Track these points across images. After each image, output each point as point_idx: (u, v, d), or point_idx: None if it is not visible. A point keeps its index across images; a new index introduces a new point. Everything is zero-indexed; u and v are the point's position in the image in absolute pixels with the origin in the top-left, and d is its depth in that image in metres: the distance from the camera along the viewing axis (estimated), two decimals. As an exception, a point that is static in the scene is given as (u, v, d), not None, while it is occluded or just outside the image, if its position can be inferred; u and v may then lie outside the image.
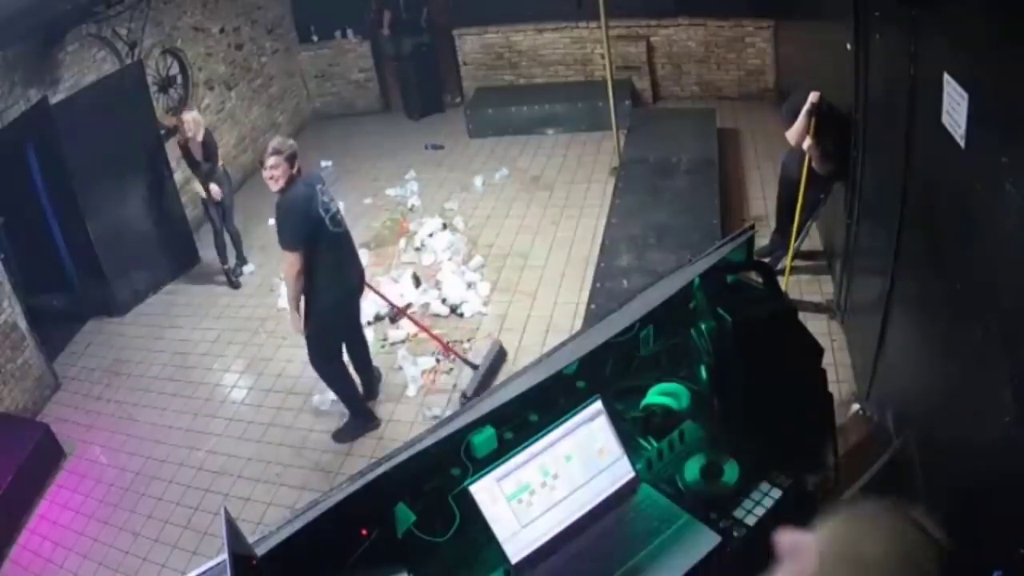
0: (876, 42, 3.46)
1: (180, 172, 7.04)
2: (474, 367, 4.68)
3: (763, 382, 2.00)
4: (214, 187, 5.95)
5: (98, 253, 5.89)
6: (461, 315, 5.35)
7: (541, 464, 1.96)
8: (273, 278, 6.21)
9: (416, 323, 5.06)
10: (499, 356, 4.83)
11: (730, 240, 2.52)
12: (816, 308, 4.75)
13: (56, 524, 4.23)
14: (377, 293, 4.95)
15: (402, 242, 6.36)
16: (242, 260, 6.40)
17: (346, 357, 4.46)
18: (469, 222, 6.59)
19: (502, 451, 2.01)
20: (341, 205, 7.00)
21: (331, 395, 4.73)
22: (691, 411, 2.24)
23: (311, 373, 5.00)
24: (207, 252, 6.56)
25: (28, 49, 5.34)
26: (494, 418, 2.07)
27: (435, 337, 4.93)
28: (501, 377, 4.62)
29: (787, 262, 4.77)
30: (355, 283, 4.24)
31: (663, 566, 1.84)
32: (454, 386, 4.71)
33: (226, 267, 6.23)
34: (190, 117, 5.96)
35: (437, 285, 5.63)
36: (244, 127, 8.36)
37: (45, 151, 5.67)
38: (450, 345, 5.00)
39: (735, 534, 1.88)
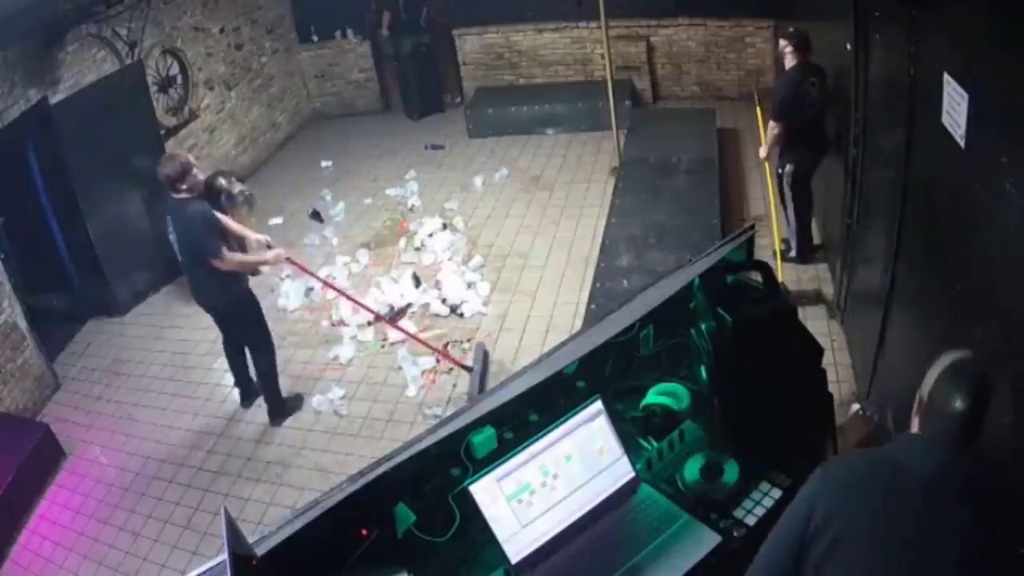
0: (876, 42, 3.46)
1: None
2: (469, 369, 4.68)
3: (763, 382, 2.00)
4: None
5: (98, 253, 5.88)
6: (461, 315, 5.35)
7: (541, 464, 1.96)
8: (273, 278, 6.20)
9: (401, 329, 5.01)
10: (486, 358, 4.83)
11: (730, 240, 2.52)
12: (816, 297, 4.78)
13: (56, 524, 4.23)
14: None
15: (402, 242, 6.36)
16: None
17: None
18: (469, 222, 6.59)
19: (502, 451, 2.01)
20: (341, 205, 7.13)
21: (330, 395, 4.75)
22: (691, 411, 2.25)
23: (311, 373, 5.03)
24: (207, 252, 6.55)
25: (28, 49, 5.34)
26: (494, 418, 2.07)
27: (422, 341, 4.90)
28: (499, 377, 4.62)
29: (775, 245, 4.82)
30: (201, 301, 4.52)
31: (663, 566, 1.84)
32: (454, 386, 4.71)
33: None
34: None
35: (437, 285, 5.63)
36: (244, 127, 8.36)
37: (45, 151, 5.67)
38: (448, 347, 4.99)
39: (735, 534, 1.88)
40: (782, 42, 4.78)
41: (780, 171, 4.87)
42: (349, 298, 5.01)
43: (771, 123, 4.73)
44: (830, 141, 4.75)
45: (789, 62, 4.72)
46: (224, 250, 4.12)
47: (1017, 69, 1.84)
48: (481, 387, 4.53)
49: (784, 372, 2.06)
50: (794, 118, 4.64)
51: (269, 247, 4.43)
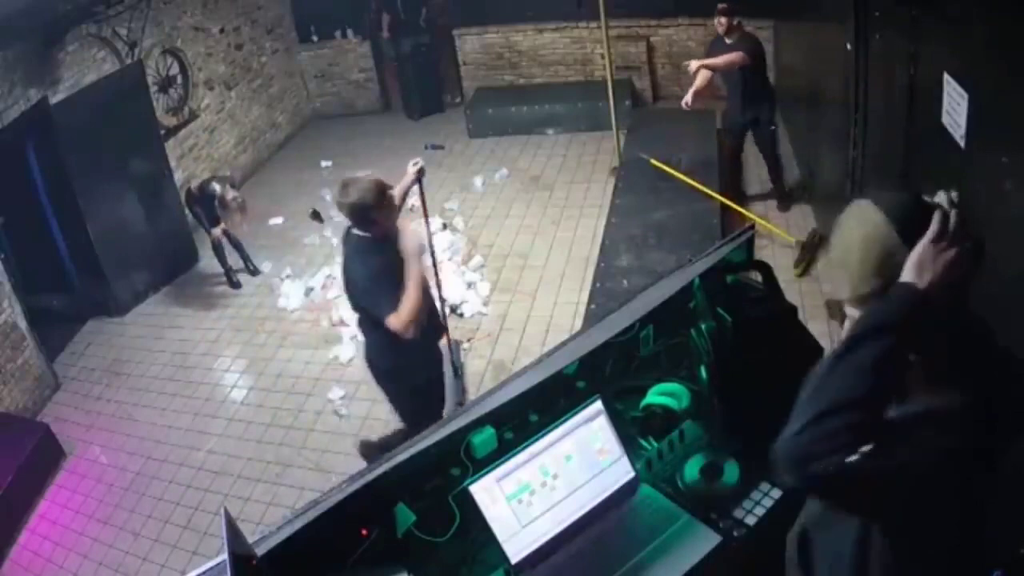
0: (876, 42, 3.46)
1: (180, 172, 7.05)
2: (456, 371, 4.63)
3: (763, 382, 2.00)
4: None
5: (98, 253, 5.88)
6: (461, 315, 5.35)
7: (541, 464, 1.96)
8: (273, 278, 6.21)
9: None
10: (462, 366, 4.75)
11: (730, 240, 2.52)
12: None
13: (56, 524, 4.23)
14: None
15: (402, 242, 6.35)
16: (254, 268, 6.36)
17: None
18: (469, 222, 6.59)
19: (502, 451, 2.01)
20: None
21: (330, 395, 4.74)
22: (691, 411, 2.25)
23: (311, 373, 5.03)
24: (206, 252, 6.56)
25: (28, 49, 5.34)
26: (494, 418, 2.07)
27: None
28: (499, 377, 4.60)
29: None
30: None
31: (663, 566, 1.84)
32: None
33: (226, 267, 6.21)
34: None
35: (437, 285, 5.61)
36: (244, 127, 8.35)
37: (45, 151, 5.67)
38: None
39: (735, 534, 1.88)
40: (723, 19, 5.37)
41: (774, 127, 5.70)
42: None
43: (736, 54, 5.25)
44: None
45: (731, 35, 5.39)
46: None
47: (1017, 69, 1.84)
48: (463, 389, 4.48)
49: (784, 372, 2.06)
50: (762, 68, 5.54)
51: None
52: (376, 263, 3.06)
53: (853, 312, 1.34)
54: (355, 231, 3.14)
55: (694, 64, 5.42)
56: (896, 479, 1.21)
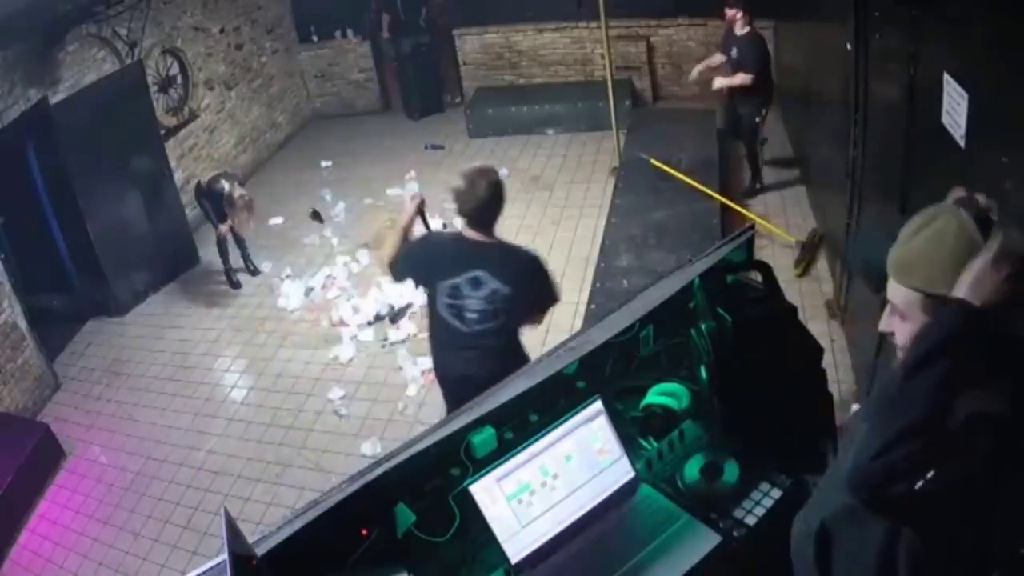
0: (876, 42, 3.46)
1: (180, 172, 7.05)
2: None
3: (763, 382, 2.00)
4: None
5: (98, 253, 5.88)
6: (461, 315, 5.34)
7: (541, 464, 1.96)
8: (273, 278, 6.21)
9: None
10: None
11: (730, 240, 2.52)
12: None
13: (56, 524, 4.23)
14: None
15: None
16: (255, 268, 6.37)
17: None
18: (469, 222, 6.59)
19: (502, 451, 2.01)
20: (341, 205, 7.13)
21: (330, 395, 4.74)
22: (691, 411, 2.25)
23: (311, 373, 5.03)
24: (207, 252, 6.56)
25: (28, 49, 5.34)
26: (494, 418, 2.07)
27: None
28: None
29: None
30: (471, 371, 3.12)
31: (663, 566, 1.84)
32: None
33: (227, 266, 6.21)
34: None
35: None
36: (244, 127, 8.35)
37: (45, 151, 5.67)
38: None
39: (735, 534, 1.88)
40: (731, 11, 5.61)
41: (758, 119, 5.81)
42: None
43: (747, 75, 5.51)
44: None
45: (741, 27, 5.62)
46: None
47: (1017, 69, 1.84)
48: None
49: (784, 372, 2.06)
50: (766, 71, 5.72)
51: None
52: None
53: (897, 293, 1.32)
54: (476, 237, 2.79)
55: (719, 83, 5.72)
56: (952, 485, 1.22)
